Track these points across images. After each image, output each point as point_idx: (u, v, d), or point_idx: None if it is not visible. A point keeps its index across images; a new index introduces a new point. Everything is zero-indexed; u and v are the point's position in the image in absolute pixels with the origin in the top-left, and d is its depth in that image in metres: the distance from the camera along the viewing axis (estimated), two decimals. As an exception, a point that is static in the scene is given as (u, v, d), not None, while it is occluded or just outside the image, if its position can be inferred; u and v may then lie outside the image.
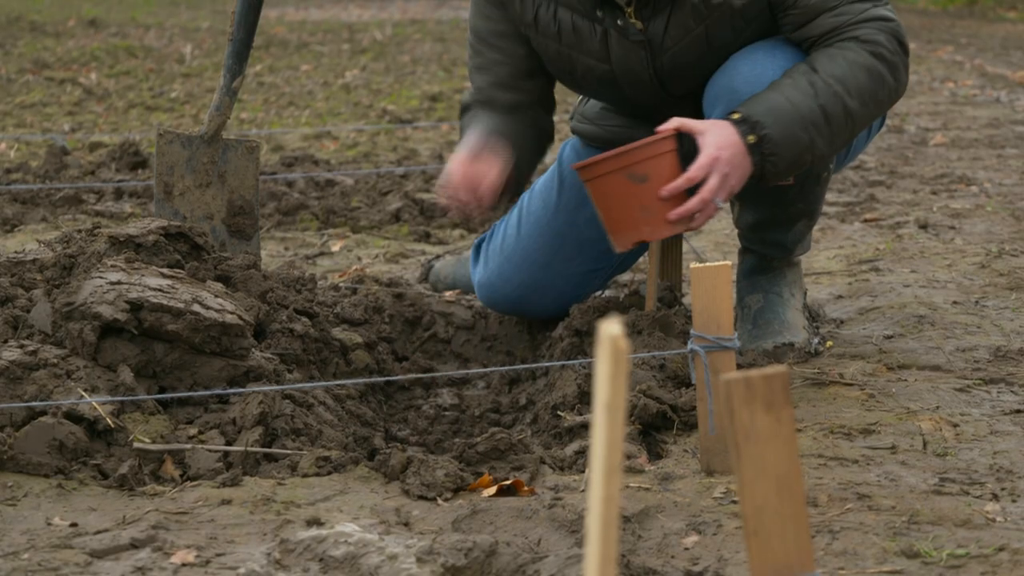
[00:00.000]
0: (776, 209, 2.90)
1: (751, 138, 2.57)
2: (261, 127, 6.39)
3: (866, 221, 4.32)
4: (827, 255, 3.86)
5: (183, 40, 10.11)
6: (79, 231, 2.72)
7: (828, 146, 2.64)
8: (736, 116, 2.59)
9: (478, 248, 3.33)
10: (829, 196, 4.75)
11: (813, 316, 3.18)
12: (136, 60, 8.81)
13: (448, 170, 2.78)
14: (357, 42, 10.76)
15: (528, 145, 2.94)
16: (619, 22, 2.75)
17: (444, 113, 6.97)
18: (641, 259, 3.62)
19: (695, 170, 2.55)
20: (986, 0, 15.23)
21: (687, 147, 2.62)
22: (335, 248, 4.07)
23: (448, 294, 3.53)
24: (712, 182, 2.55)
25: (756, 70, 2.69)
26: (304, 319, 2.79)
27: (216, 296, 2.50)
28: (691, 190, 2.59)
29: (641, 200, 2.58)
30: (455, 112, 6.98)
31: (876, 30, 2.65)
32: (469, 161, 2.76)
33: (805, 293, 3.07)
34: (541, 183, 3.23)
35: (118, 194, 4.65)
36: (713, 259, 3.88)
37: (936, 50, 10.23)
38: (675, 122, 2.59)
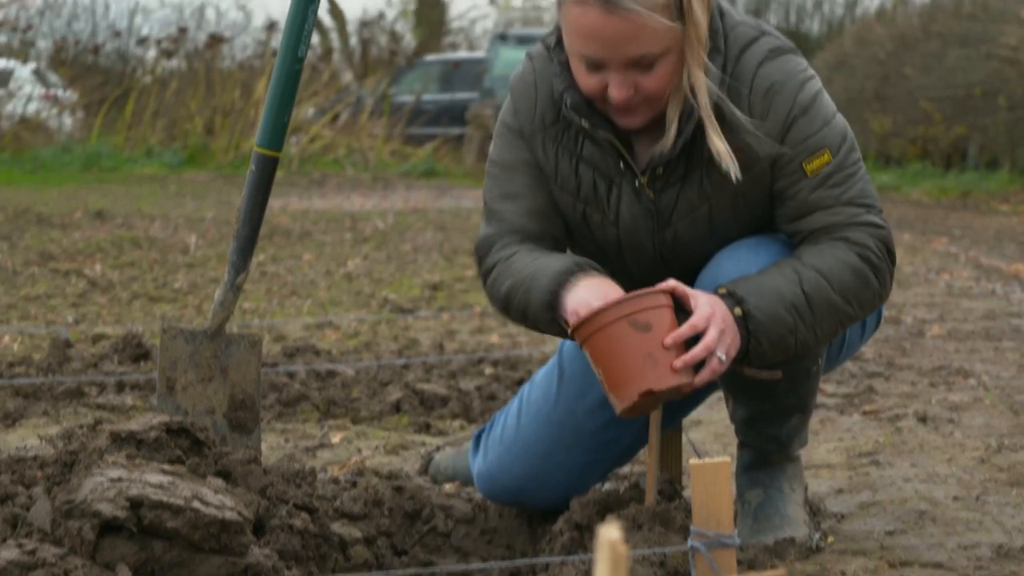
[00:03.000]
0: (767, 403, 2.92)
1: (737, 310, 2.63)
2: (263, 317, 6.44)
3: (865, 413, 4.33)
4: (827, 447, 3.87)
5: (188, 230, 10.25)
6: (81, 427, 2.74)
7: (811, 334, 2.69)
8: (722, 291, 2.66)
9: (477, 439, 3.34)
10: (828, 387, 4.76)
11: (814, 511, 3.17)
12: (141, 251, 8.92)
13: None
14: (359, 231, 10.91)
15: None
16: (636, 183, 2.81)
17: (445, 302, 7.03)
18: (641, 451, 3.62)
19: (697, 319, 2.60)
20: (979, 192, 15.47)
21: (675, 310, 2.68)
22: (335, 440, 4.07)
23: (448, 486, 3.52)
24: (712, 333, 2.59)
25: (740, 266, 2.76)
26: (304, 514, 2.79)
27: (216, 492, 2.50)
28: (691, 344, 2.63)
29: (646, 348, 2.57)
30: (455, 301, 7.05)
31: (866, 235, 2.72)
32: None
33: (805, 488, 3.07)
34: (542, 374, 3.26)
35: (120, 387, 4.67)
36: (713, 451, 3.88)
37: (931, 241, 10.36)
38: (671, 282, 2.65)
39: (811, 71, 2.80)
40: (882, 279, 2.73)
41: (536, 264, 2.75)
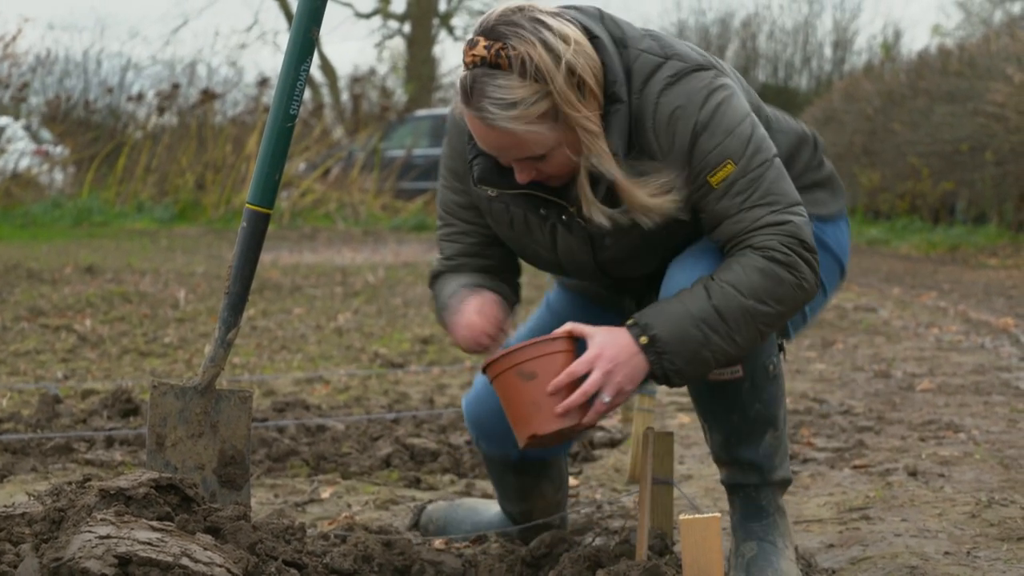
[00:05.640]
0: (735, 415, 2.94)
1: (643, 339, 2.74)
2: (253, 372, 6.43)
3: (855, 467, 4.33)
4: (817, 502, 3.86)
5: (178, 285, 10.25)
6: (70, 483, 2.73)
7: (729, 342, 2.75)
8: (630, 322, 2.77)
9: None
10: (818, 442, 4.77)
11: (806, 566, 3.16)
12: (131, 306, 8.91)
13: (463, 324, 2.95)
14: (350, 285, 10.92)
15: (505, 295, 3.09)
16: (563, 217, 2.90)
17: (435, 356, 7.04)
18: (631, 506, 3.62)
19: (576, 365, 2.73)
20: (967, 247, 15.54)
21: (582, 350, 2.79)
22: (325, 495, 4.06)
23: (438, 542, 3.52)
24: (594, 376, 2.71)
25: (687, 275, 2.84)
26: (293, 571, 2.78)
27: (205, 549, 2.49)
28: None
29: (531, 396, 2.75)
30: (446, 355, 7.05)
31: (768, 236, 2.76)
32: (478, 311, 2.94)
33: (795, 547, 3.06)
34: (533, 315, 3.37)
35: (109, 442, 4.66)
36: (704, 506, 3.87)
37: (920, 295, 10.39)
38: (568, 326, 2.79)
39: (717, 82, 2.81)
40: (796, 272, 2.76)
41: (444, 294, 3.07)
